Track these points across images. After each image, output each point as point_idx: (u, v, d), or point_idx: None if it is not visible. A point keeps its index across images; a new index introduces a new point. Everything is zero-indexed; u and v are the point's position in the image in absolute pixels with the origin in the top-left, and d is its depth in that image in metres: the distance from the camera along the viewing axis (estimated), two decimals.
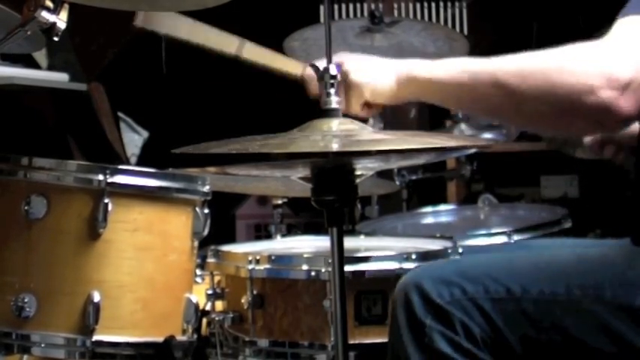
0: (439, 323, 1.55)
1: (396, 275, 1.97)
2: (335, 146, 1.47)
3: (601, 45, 1.54)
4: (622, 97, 1.50)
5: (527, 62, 1.59)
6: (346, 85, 1.74)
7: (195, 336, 2.10)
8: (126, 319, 1.99)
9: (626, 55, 1.52)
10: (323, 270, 1.97)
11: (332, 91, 1.59)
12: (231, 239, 3.40)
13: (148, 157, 4.28)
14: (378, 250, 2.13)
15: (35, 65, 3.77)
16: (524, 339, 1.55)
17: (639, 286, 1.56)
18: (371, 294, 1.98)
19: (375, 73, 1.75)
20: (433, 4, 4.34)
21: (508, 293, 1.57)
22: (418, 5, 4.34)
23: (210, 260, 2.16)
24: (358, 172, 1.58)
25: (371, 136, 1.56)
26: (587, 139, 2.31)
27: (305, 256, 2.03)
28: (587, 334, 1.55)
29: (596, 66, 1.52)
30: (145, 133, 4.41)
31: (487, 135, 3.39)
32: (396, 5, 4.30)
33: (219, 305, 2.15)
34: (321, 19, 3.74)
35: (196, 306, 2.09)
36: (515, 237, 2.52)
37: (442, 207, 3.20)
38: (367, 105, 1.78)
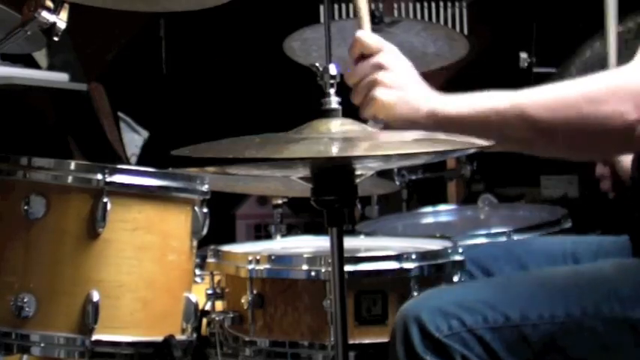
0: (439, 359, 1.55)
1: (396, 275, 1.97)
2: (334, 150, 1.47)
3: (626, 70, 1.55)
4: None
5: (555, 95, 1.57)
6: (370, 94, 1.66)
7: (194, 335, 2.10)
8: (125, 319, 1.99)
9: None
10: (323, 270, 1.97)
11: (332, 91, 1.59)
12: (231, 239, 3.39)
13: (148, 157, 4.28)
14: (378, 250, 2.12)
15: (35, 65, 3.77)
16: None
17: (636, 299, 1.56)
18: (371, 294, 1.97)
19: (403, 98, 1.66)
20: (433, 4, 4.33)
21: (507, 321, 1.56)
22: (418, 5, 4.34)
23: (210, 260, 2.16)
24: (358, 172, 1.58)
25: (371, 136, 1.56)
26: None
27: (305, 256, 2.03)
28: (588, 352, 1.55)
29: (622, 90, 1.51)
30: (145, 133, 4.41)
31: None
32: (396, 5, 4.30)
33: (219, 305, 2.15)
34: (321, 19, 3.74)
35: (196, 305, 2.09)
36: (515, 237, 2.51)
37: (442, 207, 3.20)
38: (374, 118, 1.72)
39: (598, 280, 1.63)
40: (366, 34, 1.71)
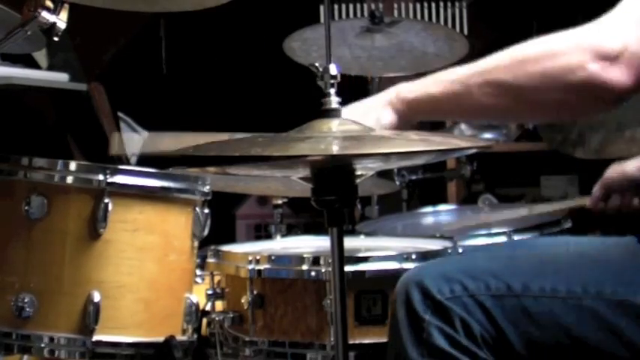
0: (438, 319, 1.55)
1: (396, 275, 1.97)
2: (335, 148, 1.47)
3: (591, 23, 1.56)
4: (612, 68, 1.50)
5: (515, 54, 1.58)
6: None
7: (195, 336, 2.10)
8: (126, 319, 1.99)
9: (614, 28, 1.53)
10: (323, 270, 1.97)
11: (332, 91, 1.59)
12: (231, 239, 3.39)
13: (148, 157, 4.27)
14: (378, 250, 2.12)
15: (35, 65, 3.77)
16: (525, 336, 1.55)
17: (638, 283, 1.56)
18: (371, 294, 1.98)
19: (372, 112, 1.70)
20: (433, 4, 4.33)
21: (509, 290, 1.57)
22: (418, 5, 4.34)
23: (211, 260, 2.16)
24: (358, 172, 1.58)
25: (371, 137, 1.56)
26: (594, 195, 2.33)
27: (305, 256, 2.03)
28: (587, 331, 1.55)
29: (584, 42, 1.52)
30: (145, 133, 4.41)
31: (487, 135, 3.39)
32: (396, 5, 4.30)
33: (219, 305, 2.15)
34: (321, 19, 3.74)
35: (196, 306, 2.09)
36: (516, 237, 2.51)
37: (442, 207, 3.20)
38: None
39: (602, 261, 1.64)
40: None
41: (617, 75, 1.50)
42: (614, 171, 2.35)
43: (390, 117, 1.70)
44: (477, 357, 1.54)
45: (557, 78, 1.53)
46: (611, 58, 1.50)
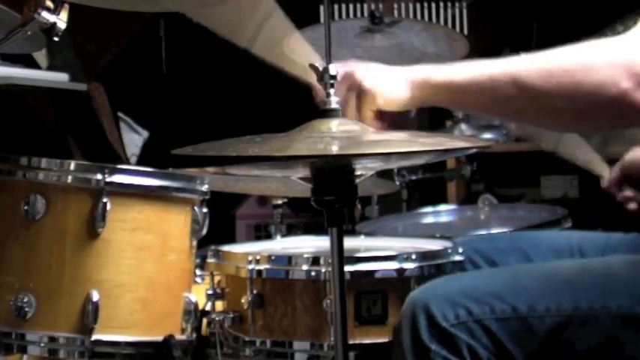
0: (444, 348, 1.54)
1: (396, 275, 1.97)
2: (335, 148, 1.47)
3: (623, 38, 1.53)
4: None
5: (548, 61, 1.55)
6: (359, 93, 1.68)
7: (194, 335, 2.10)
8: (125, 319, 1.99)
9: None
10: (323, 270, 1.97)
11: (332, 91, 1.59)
12: (231, 239, 3.39)
13: (148, 157, 4.28)
14: (378, 250, 2.12)
15: (35, 65, 3.77)
16: (532, 357, 1.55)
17: None
18: (371, 294, 1.97)
19: (388, 79, 1.68)
20: (433, 4, 4.33)
21: (514, 312, 1.56)
22: (418, 5, 4.34)
23: (210, 260, 2.16)
24: (358, 172, 1.58)
25: (371, 136, 1.56)
26: (606, 177, 2.31)
27: (305, 256, 2.03)
28: (594, 346, 1.55)
29: (617, 59, 1.49)
30: (145, 133, 4.42)
31: (487, 135, 3.39)
32: (396, 5, 4.30)
33: (219, 305, 2.15)
34: (321, 19, 3.74)
35: (195, 305, 2.09)
36: None
37: (442, 207, 3.20)
38: (378, 115, 1.72)
39: (607, 275, 1.63)
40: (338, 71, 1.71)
41: None
42: (635, 155, 2.30)
43: (402, 93, 1.67)
44: None
45: (587, 92, 1.50)
46: None
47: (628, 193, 2.24)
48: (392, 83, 1.67)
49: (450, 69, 1.64)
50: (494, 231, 2.60)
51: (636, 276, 1.60)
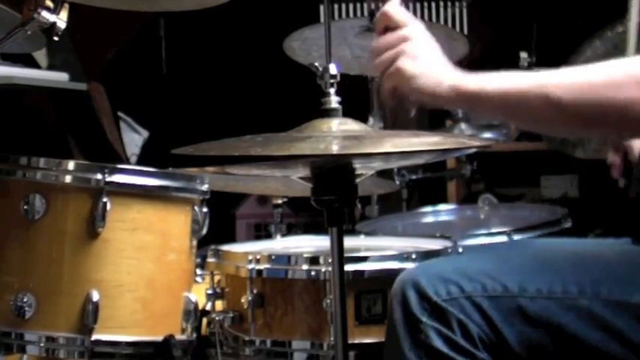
0: (435, 321, 1.55)
1: (396, 275, 1.97)
2: (335, 148, 1.47)
3: None
4: None
5: (579, 77, 1.58)
6: (393, 65, 1.65)
7: (194, 335, 2.10)
8: (125, 319, 1.99)
9: None
10: (323, 270, 1.97)
11: (332, 90, 1.59)
12: (231, 239, 3.39)
13: (148, 156, 4.28)
14: (378, 250, 2.12)
15: (35, 65, 3.77)
16: (522, 336, 1.55)
17: (635, 282, 1.56)
18: (371, 294, 1.97)
19: (426, 70, 1.65)
20: (433, 4, 4.33)
21: (505, 291, 1.57)
22: (418, 5, 4.34)
23: (211, 260, 2.16)
24: (358, 172, 1.58)
25: (371, 136, 1.56)
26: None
27: (305, 255, 2.03)
28: (584, 331, 1.56)
29: None
30: (145, 133, 4.41)
31: (487, 135, 3.39)
32: None
33: (219, 305, 2.15)
34: (321, 19, 3.74)
35: (195, 305, 2.09)
36: (516, 237, 2.51)
37: (442, 207, 3.20)
38: (394, 92, 1.70)
39: (598, 261, 1.64)
40: (394, 7, 1.72)
41: None
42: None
43: (432, 89, 1.64)
44: (476, 358, 1.54)
45: (616, 110, 1.54)
46: None
47: (614, 158, 2.24)
48: (424, 77, 1.65)
49: (479, 79, 1.64)
50: (494, 230, 2.60)
51: (628, 264, 1.61)
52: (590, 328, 1.55)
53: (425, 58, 1.68)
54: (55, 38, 1.71)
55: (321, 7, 3.84)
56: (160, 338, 2.01)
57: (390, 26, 1.69)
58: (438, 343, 1.54)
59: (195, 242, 2.11)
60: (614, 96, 1.53)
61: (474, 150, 1.68)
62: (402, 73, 1.65)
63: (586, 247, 1.81)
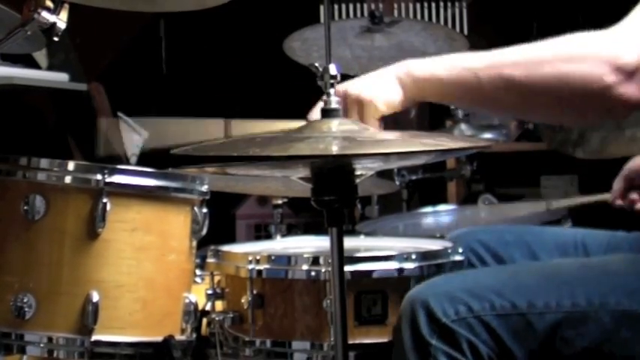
0: (444, 343, 1.54)
1: (396, 275, 1.97)
2: (335, 148, 1.47)
3: (609, 32, 1.53)
4: (628, 83, 1.48)
5: (532, 53, 1.55)
6: (360, 106, 1.67)
7: (194, 336, 2.10)
8: (125, 319, 1.99)
9: (632, 40, 1.51)
10: (323, 270, 1.96)
11: (332, 91, 1.59)
12: (231, 239, 3.39)
13: (148, 157, 4.27)
14: (378, 250, 2.12)
15: (35, 65, 3.77)
16: (532, 354, 1.55)
17: None
18: (371, 294, 1.97)
19: (381, 84, 1.67)
20: (433, 4, 4.33)
21: (514, 308, 1.56)
22: (418, 5, 4.34)
23: (210, 260, 2.15)
24: (358, 172, 1.58)
25: (371, 136, 1.56)
26: (615, 188, 2.30)
27: (305, 256, 2.03)
28: (593, 343, 1.55)
29: (603, 53, 1.50)
30: (145, 133, 4.41)
31: (487, 135, 3.39)
32: (396, 5, 4.30)
33: (219, 305, 2.15)
34: (321, 19, 3.74)
35: (195, 306, 2.09)
36: None
37: (442, 207, 3.20)
38: (381, 120, 1.70)
39: (606, 272, 1.64)
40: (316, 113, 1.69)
41: (632, 90, 1.49)
42: (635, 164, 2.31)
43: (397, 93, 1.66)
44: None
45: (572, 85, 1.51)
46: (628, 73, 1.48)
47: (634, 196, 2.24)
48: (385, 87, 1.66)
49: (432, 63, 1.63)
50: None
51: (635, 274, 1.61)
52: (599, 340, 1.55)
53: (372, 78, 1.69)
54: (55, 38, 1.71)
55: (321, 8, 3.84)
56: (159, 339, 2.00)
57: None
58: None
59: (195, 243, 2.11)
60: (569, 70, 1.50)
61: (474, 150, 1.68)
62: (371, 101, 1.65)
63: (593, 259, 1.81)
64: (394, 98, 1.65)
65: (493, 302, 1.57)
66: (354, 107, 1.65)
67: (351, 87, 1.68)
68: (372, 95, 1.66)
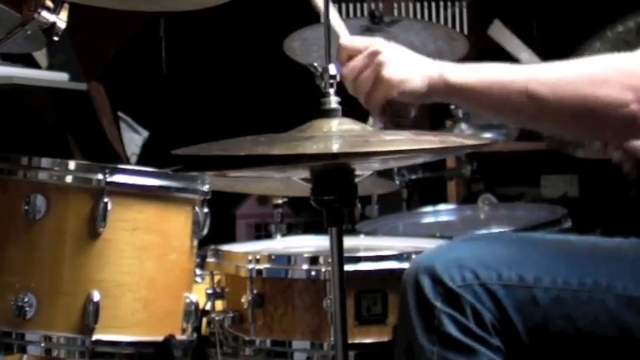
0: (449, 306, 1.54)
1: (396, 275, 1.97)
2: (335, 148, 1.47)
3: (632, 57, 1.54)
4: None
5: (560, 73, 1.57)
6: (376, 78, 1.64)
7: (194, 335, 2.10)
8: (125, 319, 1.99)
9: None
10: (323, 270, 1.97)
11: (331, 91, 1.59)
12: (231, 239, 3.39)
13: (148, 156, 4.28)
14: (378, 250, 2.12)
15: (35, 65, 3.77)
16: (533, 328, 1.55)
17: None
18: (371, 294, 1.98)
19: (410, 70, 1.65)
20: (433, 4, 4.33)
21: (521, 280, 1.57)
22: (418, 5, 4.34)
23: (210, 260, 2.16)
24: (358, 172, 1.58)
25: (371, 136, 1.56)
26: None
27: (305, 255, 2.03)
28: (596, 325, 1.56)
29: (629, 79, 1.51)
30: (145, 133, 4.41)
31: (487, 135, 3.39)
32: (396, 5, 4.30)
33: (219, 305, 2.15)
34: (321, 19, 3.73)
35: (196, 305, 2.09)
36: None
37: (442, 207, 3.20)
38: (385, 107, 1.70)
39: (615, 255, 1.64)
40: (347, 39, 1.72)
41: None
42: None
43: (422, 88, 1.64)
44: (489, 344, 1.53)
45: (596, 109, 1.52)
46: None
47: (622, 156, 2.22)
48: (413, 75, 1.65)
49: (466, 71, 1.63)
50: (494, 230, 2.60)
51: None
52: (602, 323, 1.55)
53: (404, 61, 1.67)
54: (55, 38, 1.71)
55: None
56: (160, 338, 2.01)
57: (353, 55, 1.67)
58: (452, 329, 1.54)
59: (196, 242, 2.11)
60: (594, 94, 1.52)
61: (473, 150, 1.68)
62: (390, 81, 1.64)
63: (604, 240, 1.80)
64: (414, 89, 1.64)
65: (501, 272, 1.57)
66: (369, 72, 1.64)
67: (384, 54, 1.66)
68: (394, 77, 1.64)
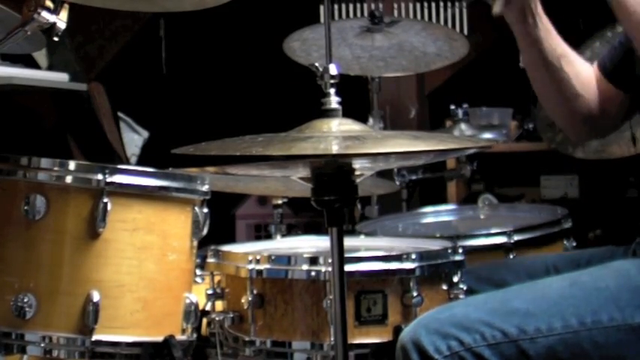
0: None
1: (396, 275, 1.97)
2: (335, 148, 1.47)
3: None
4: None
5: None
6: None
7: (194, 335, 2.10)
8: (125, 319, 1.99)
9: None
10: (323, 270, 1.97)
11: (332, 91, 1.59)
12: (231, 239, 3.39)
13: (148, 157, 4.28)
14: (378, 250, 2.12)
15: (35, 65, 3.77)
16: None
17: (635, 304, 1.55)
18: (371, 294, 1.97)
19: None
20: (433, 4, 4.33)
21: (505, 336, 1.57)
22: (418, 5, 4.34)
23: (210, 260, 2.16)
24: (358, 172, 1.58)
25: (371, 136, 1.56)
26: None
27: (305, 256, 2.03)
28: None
29: None
30: (145, 133, 4.41)
31: (487, 135, 3.39)
32: (396, 5, 4.30)
33: (219, 305, 2.15)
34: (321, 19, 3.74)
35: (196, 305, 2.09)
36: (516, 237, 2.51)
37: (442, 207, 3.20)
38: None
39: (595, 288, 1.63)
40: None
41: None
42: None
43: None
44: None
45: None
46: None
47: None
48: None
49: None
50: (494, 231, 2.59)
51: (625, 285, 1.60)
52: (593, 357, 1.55)
53: None
54: (55, 38, 1.71)
55: (321, 7, 3.84)
56: (160, 338, 2.01)
57: None
58: None
59: (195, 243, 2.11)
60: None
61: (474, 150, 1.68)
62: None
63: (582, 275, 1.79)
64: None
65: (483, 333, 1.57)
66: None
67: None
68: None
